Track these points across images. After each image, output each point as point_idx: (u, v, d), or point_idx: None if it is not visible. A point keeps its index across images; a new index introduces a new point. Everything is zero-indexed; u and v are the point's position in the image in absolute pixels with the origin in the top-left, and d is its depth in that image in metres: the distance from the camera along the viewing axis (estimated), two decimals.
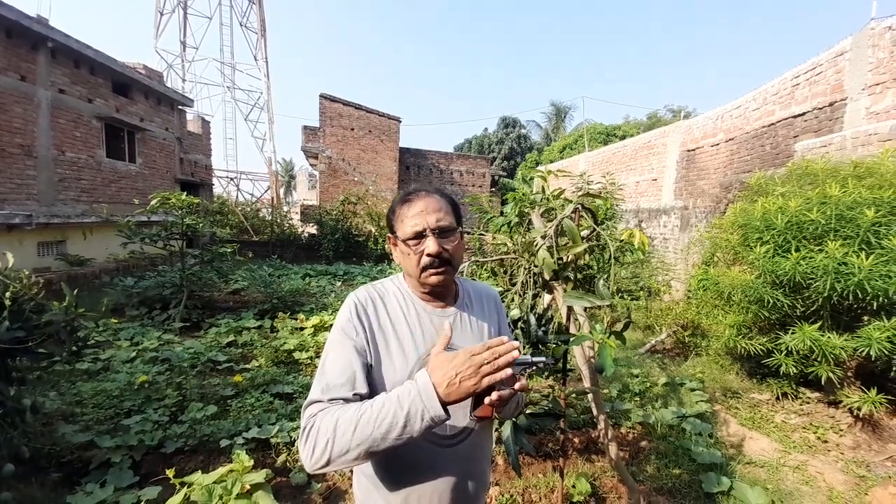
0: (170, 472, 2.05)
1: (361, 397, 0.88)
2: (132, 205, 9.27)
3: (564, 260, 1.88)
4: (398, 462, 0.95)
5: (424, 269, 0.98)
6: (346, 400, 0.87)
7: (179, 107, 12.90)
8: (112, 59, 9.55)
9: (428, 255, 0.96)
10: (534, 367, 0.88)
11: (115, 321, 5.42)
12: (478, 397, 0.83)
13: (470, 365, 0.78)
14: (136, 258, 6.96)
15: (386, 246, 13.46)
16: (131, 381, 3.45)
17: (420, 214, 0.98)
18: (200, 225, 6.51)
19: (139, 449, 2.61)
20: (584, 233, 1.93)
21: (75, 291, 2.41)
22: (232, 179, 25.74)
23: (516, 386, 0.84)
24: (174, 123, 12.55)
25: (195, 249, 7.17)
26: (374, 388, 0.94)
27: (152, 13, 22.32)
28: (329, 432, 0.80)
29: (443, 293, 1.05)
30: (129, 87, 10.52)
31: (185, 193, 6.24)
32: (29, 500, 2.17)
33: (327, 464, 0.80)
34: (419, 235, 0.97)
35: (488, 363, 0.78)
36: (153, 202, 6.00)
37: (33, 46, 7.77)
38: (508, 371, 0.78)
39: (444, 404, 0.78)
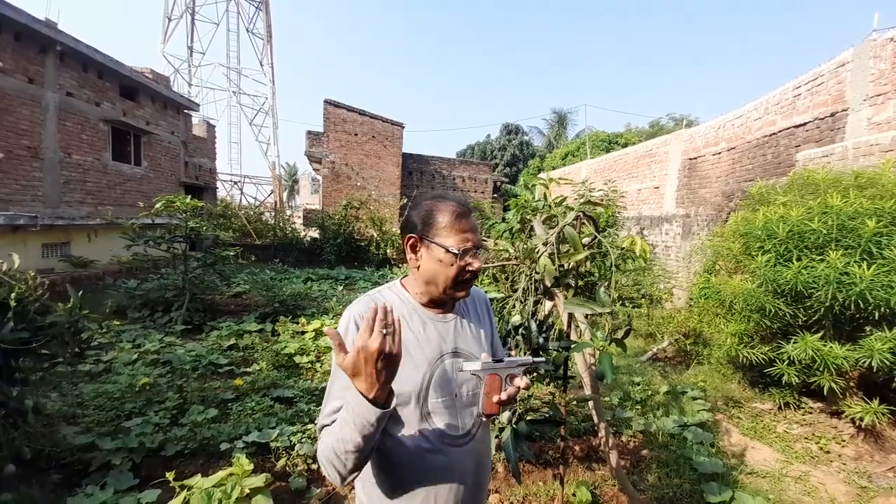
0: (170, 476, 2.06)
1: None
2: (137, 207, 9.34)
3: (565, 267, 1.89)
4: (405, 463, 0.96)
5: (461, 283, 1.00)
6: None
7: (185, 111, 13.02)
8: (120, 64, 9.67)
9: (471, 271, 0.99)
10: (534, 367, 0.94)
11: (118, 323, 5.44)
12: (485, 396, 0.93)
13: (363, 355, 0.77)
14: (140, 260, 7.00)
15: (388, 250, 13.47)
16: (132, 384, 3.46)
17: (472, 231, 1.00)
18: (204, 228, 6.55)
19: (139, 451, 2.62)
20: (586, 240, 1.94)
21: (79, 293, 2.43)
22: (236, 183, 25.83)
23: (521, 385, 0.89)
24: (180, 127, 12.67)
25: (198, 252, 7.20)
26: None
27: (160, 19, 22.61)
28: (330, 456, 0.86)
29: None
30: (136, 91, 10.63)
31: (189, 197, 6.27)
32: (29, 501, 2.17)
33: (343, 480, 0.86)
34: (467, 252, 0.98)
35: (366, 332, 0.77)
36: (157, 205, 6.05)
37: (42, 50, 7.88)
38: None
39: (375, 400, 0.79)
